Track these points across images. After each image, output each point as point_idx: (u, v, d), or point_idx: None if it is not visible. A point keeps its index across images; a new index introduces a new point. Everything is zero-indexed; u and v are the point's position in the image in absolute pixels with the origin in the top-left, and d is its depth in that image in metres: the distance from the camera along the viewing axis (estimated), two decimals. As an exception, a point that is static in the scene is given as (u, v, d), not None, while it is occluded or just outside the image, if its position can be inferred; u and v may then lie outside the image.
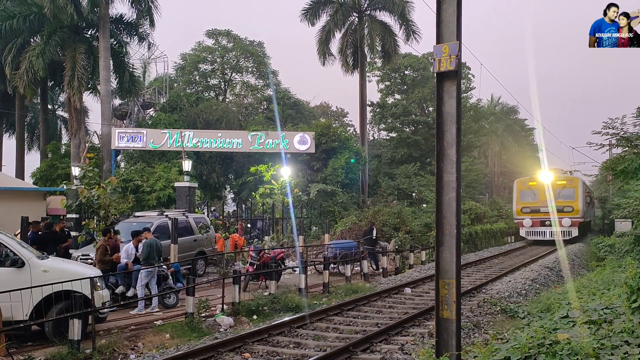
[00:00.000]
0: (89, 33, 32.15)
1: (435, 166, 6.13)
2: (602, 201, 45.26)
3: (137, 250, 13.55)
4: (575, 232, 30.15)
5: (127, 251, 13.58)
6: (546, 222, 30.42)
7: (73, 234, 18.58)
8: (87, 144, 30.63)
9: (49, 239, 15.00)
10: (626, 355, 5.69)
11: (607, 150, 21.28)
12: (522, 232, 31.97)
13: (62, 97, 40.71)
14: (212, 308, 12.53)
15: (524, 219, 31.28)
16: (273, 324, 10.67)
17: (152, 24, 31.28)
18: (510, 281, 16.12)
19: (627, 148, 18.14)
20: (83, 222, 18.01)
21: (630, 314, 7.15)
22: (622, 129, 18.22)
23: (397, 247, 23.26)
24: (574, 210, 30.13)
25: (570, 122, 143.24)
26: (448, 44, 5.88)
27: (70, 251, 16.02)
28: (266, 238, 23.42)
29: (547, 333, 7.02)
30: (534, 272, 17.60)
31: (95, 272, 10.69)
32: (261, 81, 46.95)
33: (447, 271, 6.00)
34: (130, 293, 12.83)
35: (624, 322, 6.98)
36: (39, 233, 15.15)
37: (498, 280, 16.79)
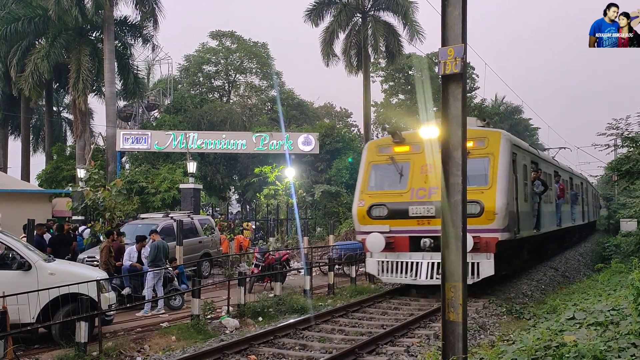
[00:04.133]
0: (94, 35, 32.30)
1: (441, 169, 6.15)
2: (607, 200, 44.88)
3: (139, 254, 13.63)
4: (487, 268, 12.75)
5: (129, 254, 13.66)
6: (424, 241, 13.30)
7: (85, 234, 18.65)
8: (92, 146, 30.75)
9: (63, 241, 15.23)
10: (633, 357, 5.68)
11: (612, 150, 21.20)
12: (369, 265, 14.13)
13: (67, 99, 40.89)
14: (217, 310, 12.55)
15: (371, 232, 13.72)
16: (279, 325, 10.69)
17: (155, 25, 31.44)
18: (515, 282, 16.08)
19: (632, 148, 18.05)
20: (89, 224, 18.11)
21: (637, 316, 7.13)
22: (626, 129, 18.16)
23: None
24: (484, 210, 12.62)
25: (576, 120, 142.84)
26: (453, 46, 5.89)
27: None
28: (271, 239, 23.46)
29: (553, 335, 7.02)
30: (539, 273, 17.57)
31: (102, 274, 10.74)
32: (265, 82, 47.02)
33: (453, 274, 6.02)
34: (125, 292, 12.86)
35: (630, 324, 6.97)
36: (55, 234, 15.40)
37: (503, 281, 16.75)
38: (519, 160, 14.39)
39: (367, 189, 14.23)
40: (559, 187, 19.91)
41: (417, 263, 13.21)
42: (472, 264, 12.55)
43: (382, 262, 13.68)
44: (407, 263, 13.36)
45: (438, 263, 12.31)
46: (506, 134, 13.68)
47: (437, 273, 12.57)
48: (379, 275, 14.00)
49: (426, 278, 13.02)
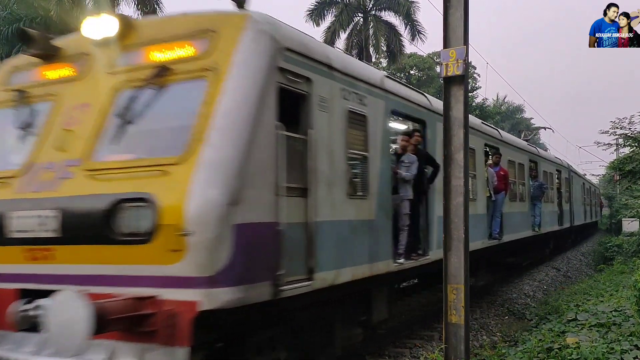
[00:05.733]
0: (95, 36, 32.33)
1: (443, 171, 6.19)
2: (609, 199, 44.85)
3: None
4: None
5: None
6: (30, 310, 4.50)
7: None
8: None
9: None
10: (636, 359, 5.69)
11: (614, 149, 21.18)
12: None
13: (69, 100, 40.97)
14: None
15: None
16: (280, 326, 10.61)
17: (157, 26, 31.45)
18: (517, 282, 16.08)
19: (634, 147, 18.04)
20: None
21: (639, 317, 7.13)
22: (629, 128, 18.15)
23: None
24: (158, 224, 4.24)
25: (577, 120, 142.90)
26: (455, 48, 5.90)
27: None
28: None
29: (555, 337, 7.03)
30: (541, 273, 17.56)
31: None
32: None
33: (455, 276, 6.06)
34: None
35: (633, 326, 6.98)
36: None
37: (505, 281, 16.75)
38: (333, 93, 6.08)
39: None
40: (498, 172, 12.13)
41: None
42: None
43: None
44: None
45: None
46: (263, 19, 5.51)
47: None
48: None
49: None
